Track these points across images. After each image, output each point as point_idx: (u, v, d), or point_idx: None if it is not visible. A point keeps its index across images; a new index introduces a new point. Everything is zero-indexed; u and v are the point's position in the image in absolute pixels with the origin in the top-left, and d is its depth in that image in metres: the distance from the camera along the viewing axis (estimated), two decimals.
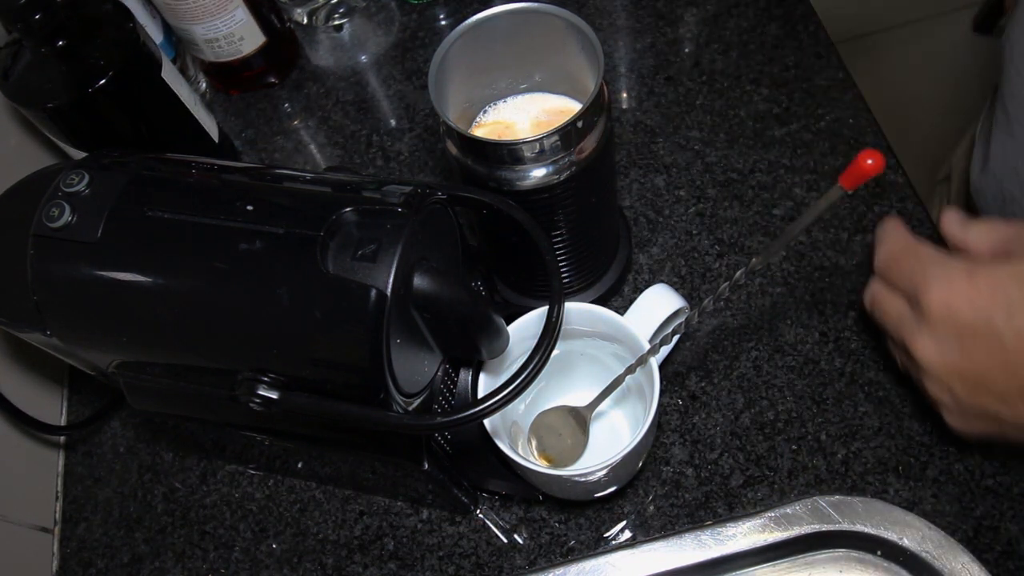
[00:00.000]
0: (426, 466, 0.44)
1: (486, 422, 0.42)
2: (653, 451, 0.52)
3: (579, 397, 0.50)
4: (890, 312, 0.45)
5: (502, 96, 0.49)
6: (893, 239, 0.45)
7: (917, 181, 0.59)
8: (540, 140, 0.41)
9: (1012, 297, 0.39)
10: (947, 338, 0.41)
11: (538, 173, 0.43)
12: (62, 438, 0.60)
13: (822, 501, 0.48)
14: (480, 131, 0.49)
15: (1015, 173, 0.57)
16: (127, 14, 0.51)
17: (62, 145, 0.54)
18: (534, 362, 0.36)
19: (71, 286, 0.40)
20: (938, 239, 0.57)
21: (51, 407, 0.61)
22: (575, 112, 0.41)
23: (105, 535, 0.56)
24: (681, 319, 0.44)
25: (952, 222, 0.45)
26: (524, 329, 0.45)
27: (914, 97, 1.49)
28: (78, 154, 0.53)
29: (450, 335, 0.42)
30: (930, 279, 0.41)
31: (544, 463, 0.48)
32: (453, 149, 0.44)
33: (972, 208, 0.67)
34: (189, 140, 0.59)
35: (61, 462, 0.60)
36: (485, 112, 0.49)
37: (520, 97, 0.49)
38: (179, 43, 0.70)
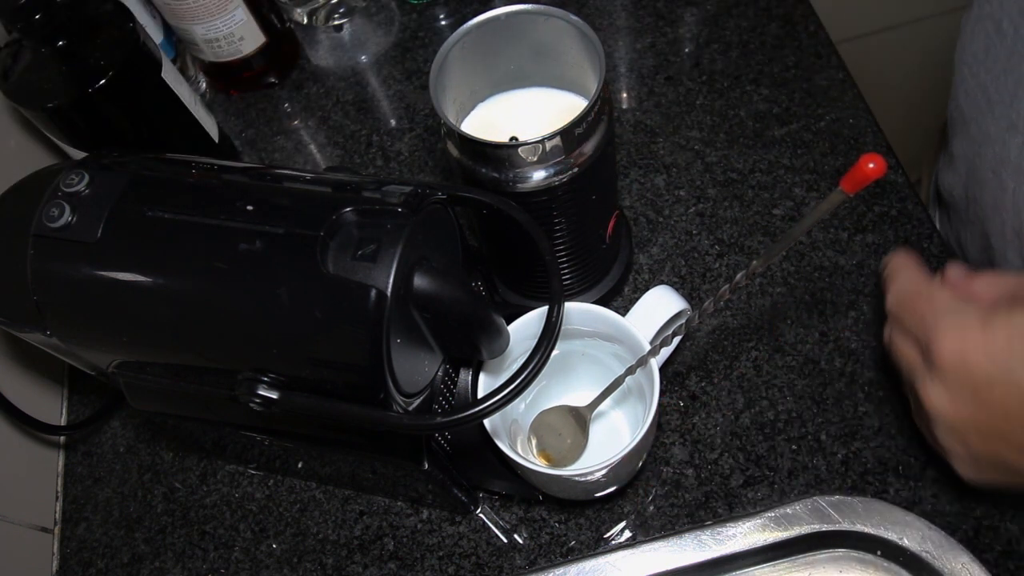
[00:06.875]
0: (426, 466, 0.44)
1: (486, 422, 0.42)
2: (653, 451, 0.52)
3: (579, 397, 0.50)
4: (902, 358, 0.43)
5: (503, 97, 0.49)
6: (905, 278, 0.43)
7: (917, 181, 0.59)
8: (541, 142, 0.41)
9: None
10: (961, 389, 0.39)
11: (539, 175, 0.43)
12: (62, 438, 0.60)
13: (822, 501, 0.48)
14: (480, 132, 0.49)
15: (973, 173, 0.55)
16: (127, 14, 0.51)
17: (62, 145, 0.54)
18: (534, 362, 0.36)
19: (71, 286, 0.40)
20: (940, 243, 0.57)
21: (51, 407, 0.61)
22: (576, 113, 0.41)
23: (105, 535, 0.56)
24: (682, 321, 0.44)
25: (957, 275, 0.43)
26: (524, 329, 0.45)
27: (914, 97, 1.49)
28: (78, 154, 0.53)
29: (450, 335, 0.42)
30: (942, 328, 0.39)
31: (544, 463, 0.48)
32: (453, 150, 0.44)
33: (941, 205, 0.65)
34: (189, 140, 0.59)
35: (61, 462, 0.60)
36: (486, 113, 0.49)
37: (521, 98, 0.49)
38: (179, 43, 0.70)
